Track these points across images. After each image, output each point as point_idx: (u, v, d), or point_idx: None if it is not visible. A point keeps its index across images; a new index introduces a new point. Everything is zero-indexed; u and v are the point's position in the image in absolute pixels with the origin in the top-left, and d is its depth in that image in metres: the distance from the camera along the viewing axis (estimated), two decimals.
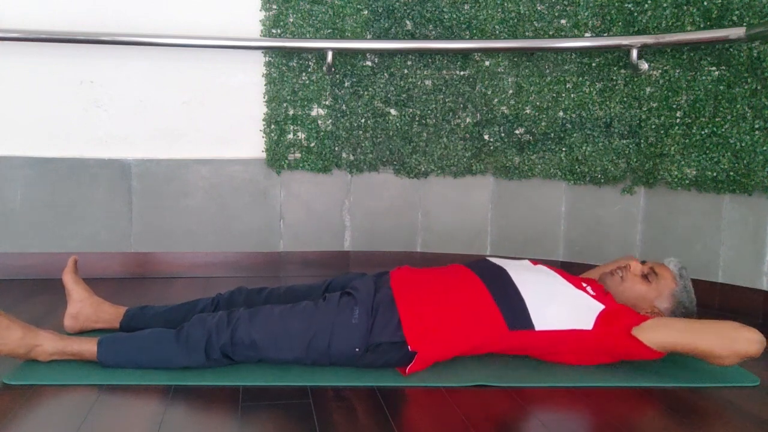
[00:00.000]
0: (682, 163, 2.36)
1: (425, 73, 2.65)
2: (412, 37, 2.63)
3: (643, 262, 1.86)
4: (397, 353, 1.61)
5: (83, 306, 1.81)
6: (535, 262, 1.90)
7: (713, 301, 2.31)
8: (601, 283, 1.84)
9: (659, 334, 1.61)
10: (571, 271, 2.59)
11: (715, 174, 2.29)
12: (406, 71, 2.65)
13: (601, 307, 1.67)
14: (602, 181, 2.55)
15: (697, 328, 1.61)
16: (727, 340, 1.55)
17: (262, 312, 1.63)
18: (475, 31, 2.60)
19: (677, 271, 1.80)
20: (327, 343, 1.60)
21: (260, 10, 2.59)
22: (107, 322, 1.82)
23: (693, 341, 1.58)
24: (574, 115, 2.56)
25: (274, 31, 2.59)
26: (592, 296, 1.71)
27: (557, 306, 1.67)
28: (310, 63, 2.62)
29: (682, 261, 1.88)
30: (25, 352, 1.56)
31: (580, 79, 2.54)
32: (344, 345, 1.60)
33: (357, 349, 1.60)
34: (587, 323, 1.64)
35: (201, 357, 1.57)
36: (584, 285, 1.76)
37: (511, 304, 1.66)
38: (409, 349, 1.60)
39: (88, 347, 1.59)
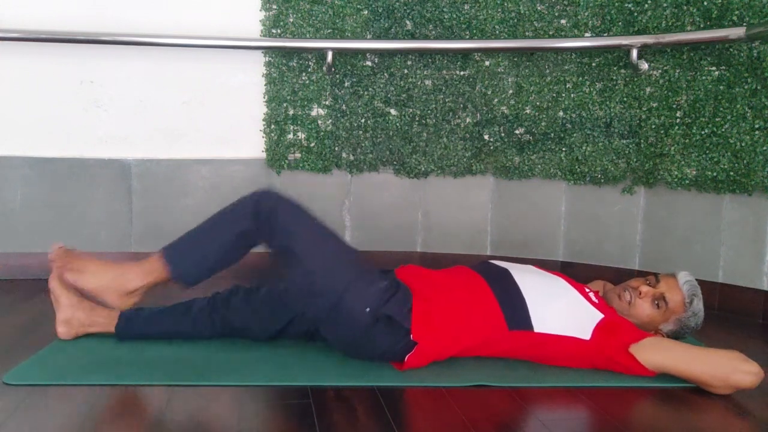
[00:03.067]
0: (682, 163, 2.36)
1: (425, 73, 2.65)
2: (412, 37, 2.63)
3: (655, 276, 1.80)
4: (398, 340, 1.61)
5: (75, 310, 1.76)
6: (539, 267, 1.90)
7: (713, 301, 2.31)
8: (605, 300, 1.81)
9: (656, 356, 1.60)
10: (571, 270, 2.60)
11: (715, 174, 2.29)
12: (406, 71, 2.65)
13: (600, 316, 1.67)
14: (602, 181, 2.55)
15: (695, 355, 1.58)
16: (723, 373, 1.53)
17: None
18: (475, 31, 2.60)
19: (688, 298, 1.74)
20: (345, 286, 1.58)
21: (260, 10, 2.59)
22: (102, 325, 1.78)
23: (689, 368, 1.57)
24: (574, 115, 2.56)
25: (274, 31, 2.59)
26: (594, 304, 1.70)
27: (558, 309, 1.67)
28: (310, 63, 2.62)
29: (693, 273, 1.80)
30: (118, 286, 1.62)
31: (580, 79, 2.54)
32: (359, 298, 1.59)
33: (368, 309, 1.58)
34: (585, 332, 1.64)
35: (248, 222, 1.61)
36: (587, 291, 1.76)
37: (512, 304, 1.66)
38: (411, 338, 1.60)
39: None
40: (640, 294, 1.75)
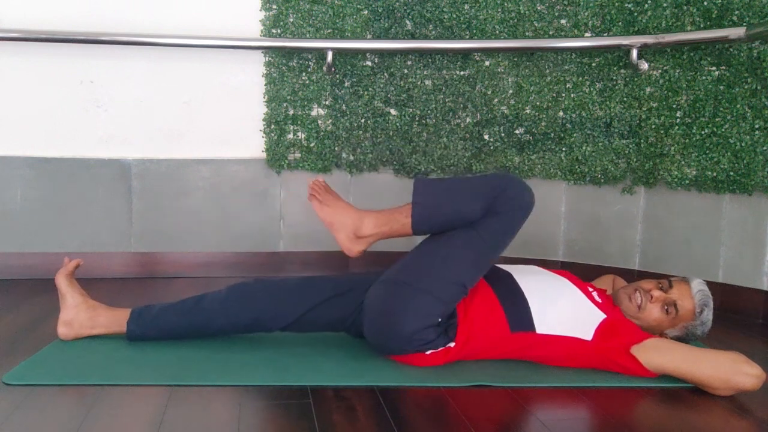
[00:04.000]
0: (682, 163, 2.36)
1: (425, 73, 2.65)
2: (412, 37, 2.63)
3: (668, 280, 1.78)
4: (438, 343, 1.64)
5: (78, 312, 1.74)
6: (543, 267, 1.89)
7: (713, 301, 2.30)
8: (613, 297, 1.80)
9: (658, 358, 1.59)
10: (571, 270, 2.59)
11: (715, 174, 2.29)
12: (406, 71, 2.65)
13: (602, 316, 1.66)
14: (602, 181, 2.55)
15: (697, 357, 1.57)
16: (725, 374, 1.52)
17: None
18: (475, 31, 2.60)
19: (699, 307, 1.73)
20: (448, 295, 1.62)
21: (260, 10, 2.59)
22: (104, 327, 1.76)
23: (691, 370, 1.56)
24: (574, 115, 2.56)
25: (274, 31, 2.59)
26: (597, 303, 1.69)
27: (559, 309, 1.66)
28: (310, 63, 2.62)
29: (693, 273, 1.79)
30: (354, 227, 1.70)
31: (580, 79, 2.54)
32: (444, 309, 1.62)
33: (440, 319, 1.62)
34: (587, 333, 1.63)
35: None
36: (590, 290, 1.75)
37: (515, 306, 1.67)
38: (452, 345, 1.63)
39: None
40: (651, 298, 1.73)
